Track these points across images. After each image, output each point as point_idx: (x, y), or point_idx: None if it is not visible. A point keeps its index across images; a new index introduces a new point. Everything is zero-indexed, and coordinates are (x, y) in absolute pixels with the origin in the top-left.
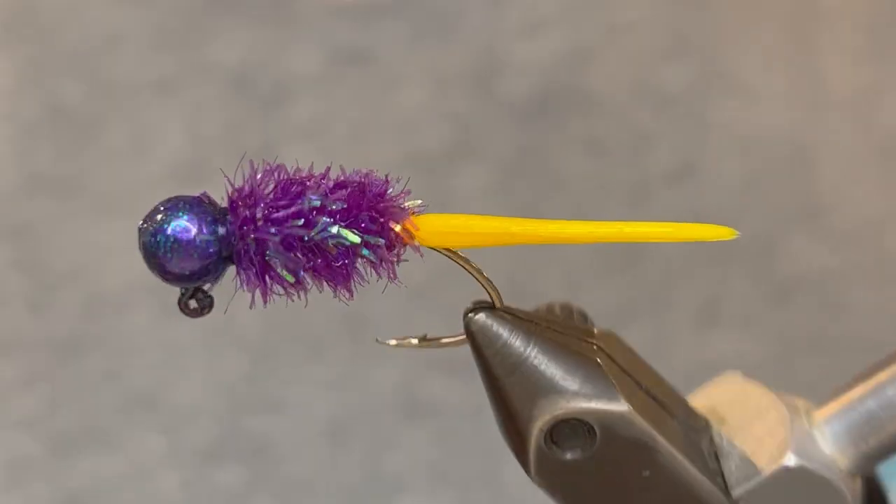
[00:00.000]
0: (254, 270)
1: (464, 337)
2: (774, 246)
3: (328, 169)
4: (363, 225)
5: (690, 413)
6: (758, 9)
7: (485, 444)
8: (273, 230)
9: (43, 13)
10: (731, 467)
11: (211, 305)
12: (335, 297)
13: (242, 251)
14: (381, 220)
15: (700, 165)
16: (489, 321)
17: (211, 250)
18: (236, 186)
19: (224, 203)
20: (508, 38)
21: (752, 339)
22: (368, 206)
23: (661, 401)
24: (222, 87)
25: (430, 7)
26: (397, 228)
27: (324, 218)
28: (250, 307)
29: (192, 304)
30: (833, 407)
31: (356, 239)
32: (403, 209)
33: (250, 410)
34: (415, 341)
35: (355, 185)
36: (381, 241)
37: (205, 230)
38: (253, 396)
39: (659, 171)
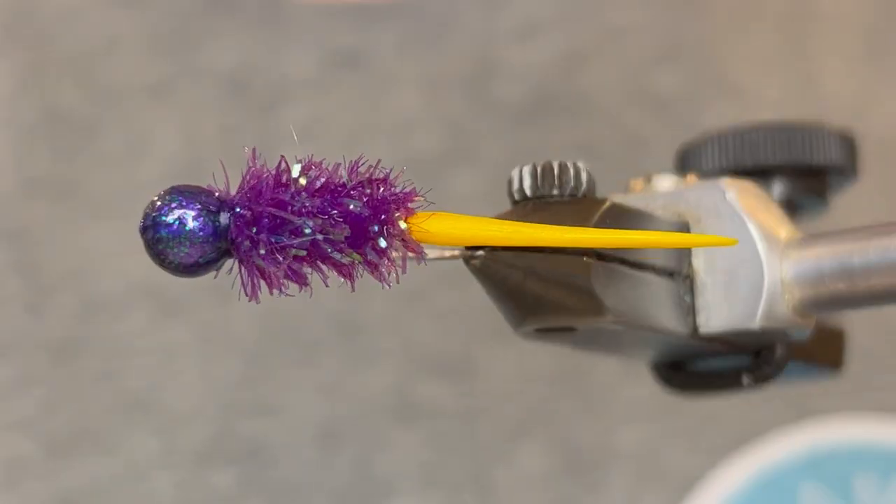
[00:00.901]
0: (256, 275)
1: (459, 254)
2: None
3: (329, 183)
4: (368, 244)
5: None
6: (753, 12)
7: (477, 447)
8: (276, 259)
9: (40, 18)
10: (700, 303)
11: None
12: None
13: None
14: (386, 244)
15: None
16: (488, 260)
17: (212, 244)
18: (236, 200)
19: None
20: (503, 41)
21: None
22: (374, 236)
23: (653, 264)
24: (218, 90)
25: (425, 10)
26: (402, 235)
27: (328, 249)
28: (257, 301)
29: None
30: (807, 253)
31: (358, 258)
32: (408, 222)
33: (244, 413)
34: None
35: (358, 212)
36: (384, 262)
37: (207, 222)
38: (247, 399)
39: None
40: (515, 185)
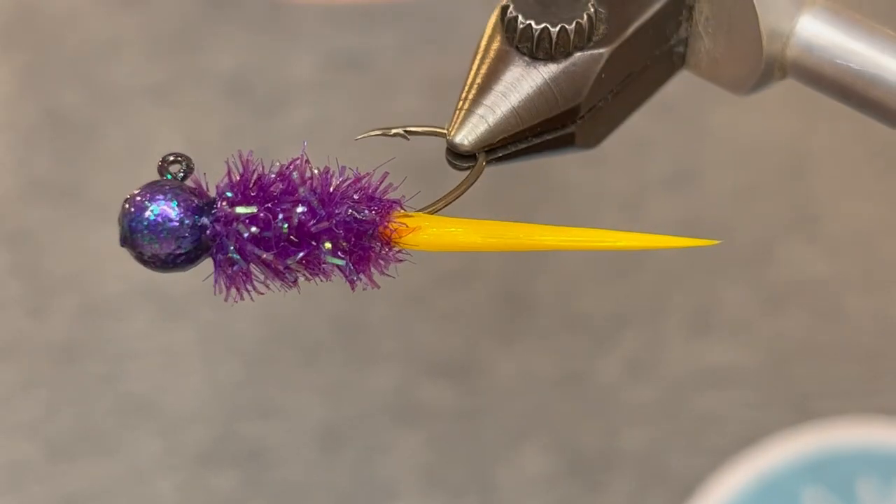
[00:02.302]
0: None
1: (445, 132)
2: (769, 253)
3: (311, 223)
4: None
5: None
6: None
7: (479, 449)
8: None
9: (41, 20)
10: (693, 49)
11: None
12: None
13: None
14: (372, 251)
15: (696, 173)
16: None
17: (191, 240)
18: (225, 212)
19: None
20: None
21: (746, 347)
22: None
23: (655, 54)
24: (218, 93)
25: (426, 12)
26: (389, 240)
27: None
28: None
29: (175, 168)
30: (818, 27)
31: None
32: (395, 230)
33: (245, 415)
34: (399, 130)
35: (342, 266)
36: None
37: (186, 219)
38: (249, 401)
39: (654, 178)
40: (509, 29)
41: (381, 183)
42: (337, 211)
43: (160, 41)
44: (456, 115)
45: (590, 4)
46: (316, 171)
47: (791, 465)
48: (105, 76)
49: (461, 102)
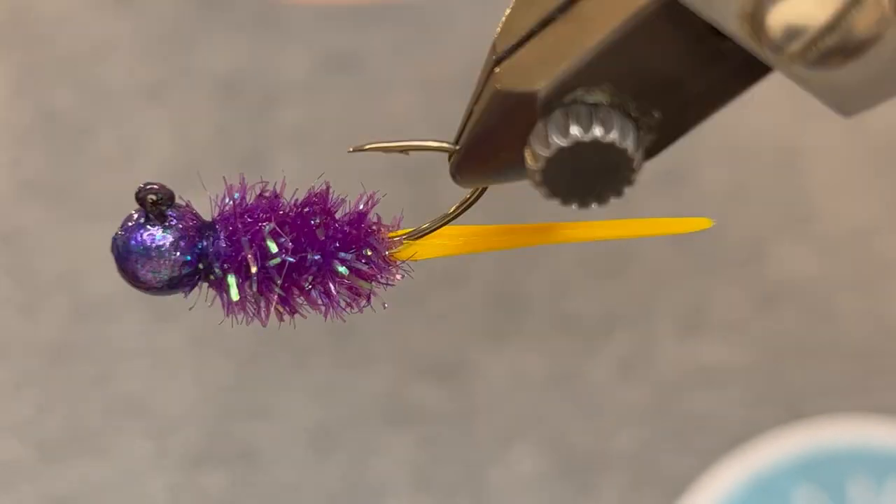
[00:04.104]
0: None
1: (451, 147)
2: (762, 252)
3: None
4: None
5: None
6: None
7: (470, 450)
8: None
9: (35, 21)
10: None
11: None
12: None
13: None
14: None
15: (687, 171)
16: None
17: (186, 267)
18: (221, 231)
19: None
20: None
21: (737, 346)
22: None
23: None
24: (212, 92)
25: (419, 12)
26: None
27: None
28: (237, 320)
29: (152, 197)
30: None
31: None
32: (387, 244)
33: (236, 416)
34: (399, 145)
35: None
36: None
37: (183, 244)
38: (240, 402)
39: (645, 176)
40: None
41: (374, 229)
42: (336, 282)
43: (153, 42)
44: (460, 134)
45: (633, 171)
46: (313, 221)
47: (782, 464)
48: (98, 77)
49: (462, 149)
